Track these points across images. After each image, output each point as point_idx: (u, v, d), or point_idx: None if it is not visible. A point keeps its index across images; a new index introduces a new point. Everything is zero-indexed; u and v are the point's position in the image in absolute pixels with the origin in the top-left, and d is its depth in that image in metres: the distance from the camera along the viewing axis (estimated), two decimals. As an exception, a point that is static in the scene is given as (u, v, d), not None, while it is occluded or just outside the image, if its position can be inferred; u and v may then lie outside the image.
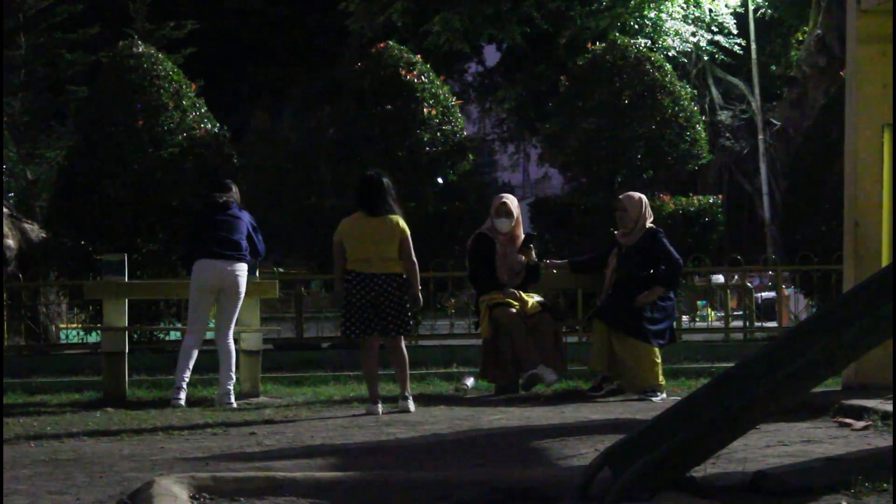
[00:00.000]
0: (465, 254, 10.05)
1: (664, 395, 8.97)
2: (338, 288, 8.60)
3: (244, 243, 9.10)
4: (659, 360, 9.15)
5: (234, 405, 8.88)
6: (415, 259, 8.51)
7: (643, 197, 9.58)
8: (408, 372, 8.61)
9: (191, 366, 9.05)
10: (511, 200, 9.77)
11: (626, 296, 9.19)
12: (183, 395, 8.92)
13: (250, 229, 9.21)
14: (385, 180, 8.51)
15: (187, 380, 9.03)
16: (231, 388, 9.01)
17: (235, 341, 9.34)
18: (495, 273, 9.54)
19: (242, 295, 9.12)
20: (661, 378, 9.14)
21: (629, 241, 9.38)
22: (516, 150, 36.97)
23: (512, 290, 9.47)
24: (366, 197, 8.46)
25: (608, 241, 9.74)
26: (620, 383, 9.26)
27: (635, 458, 4.43)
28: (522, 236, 9.69)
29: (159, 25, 24.58)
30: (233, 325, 9.16)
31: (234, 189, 9.38)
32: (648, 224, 9.42)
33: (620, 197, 9.63)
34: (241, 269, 9.08)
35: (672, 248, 9.37)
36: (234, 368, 9.08)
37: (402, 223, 8.44)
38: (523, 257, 9.57)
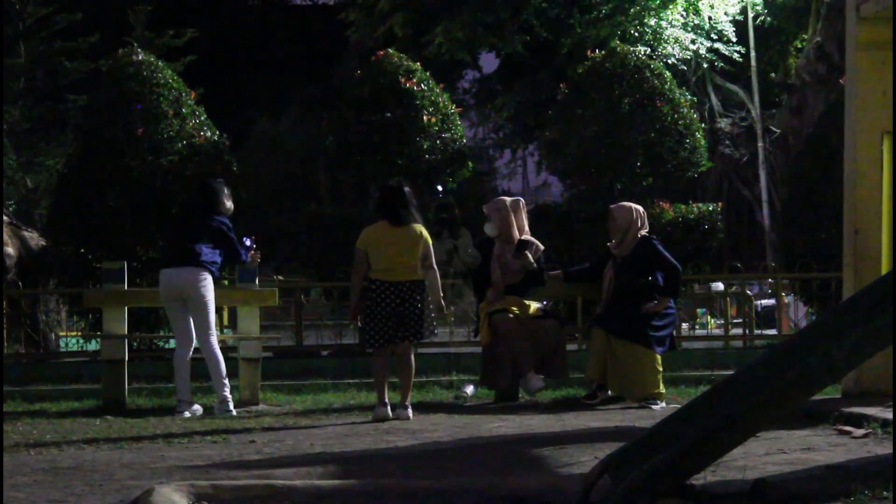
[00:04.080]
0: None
1: (664, 404, 8.96)
2: (354, 296, 8.60)
3: (202, 249, 8.96)
4: (660, 368, 9.14)
5: (234, 413, 8.87)
6: (436, 267, 8.56)
7: (635, 207, 9.54)
8: (412, 381, 8.64)
9: (186, 377, 9.05)
10: (495, 203, 9.78)
11: (626, 303, 9.18)
12: (186, 408, 8.90)
13: (219, 235, 9.06)
14: (407, 189, 8.60)
15: (188, 391, 9.04)
16: (227, 394, 8.98)
17: (234, 349, 9.32)
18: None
19: (207, 299, 8.96)
20: (661, 386, 9.13)
21: (623, 252, 9.37)
22: (513, 157, 37.02)
23: (513, 296, 9.46)
24: (389, 206, 8.51)
25: (603, 253, 9.72)
26: (620, 391, 9.24)
27: (635, 466, 4.43)
28: (517, 236, 9.66)
29: (159, 34, 24.64)
30: (211, 331, 9.04)
31: (221, 194, 9.24)
32: (642, 232, 9.40)
33: (611, 207, 9.65)
34: (198, 274, 8.92)
35: (669, 255, 9.35)
36: (223, 374, 8.99)
37: (425, 232, 8.54)
38: (518, 262, 9.55)
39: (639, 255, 9.29)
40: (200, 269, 8.95)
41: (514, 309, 9.39)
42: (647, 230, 9.48)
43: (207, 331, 9.02)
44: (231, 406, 8.94)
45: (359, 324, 8.67)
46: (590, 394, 9.33)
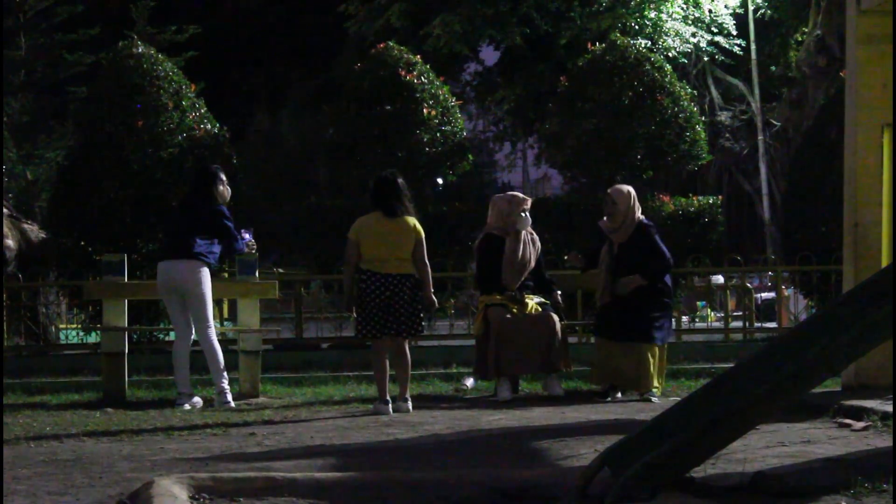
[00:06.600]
0: (473, 254, 10.02)
1: (663, 396, 8.95)
2: (347, 286, 8.60)
3: (196, 240, 8.92)
4: (661, 360, 9.12)
5: (233, 405, 8.87)
6: (427, 261, 8.54)
7: (630, 189, 9.47)
8: (409, 374, 8.64)
9: (186, 369, 9.04)
10: (524, 198, 9.78)
11: (622, 303, 9.12)
12: (186, 401, 8.90)
13: (215, 224, 9.01)
14: (400, 181, 8.58)
15: (188, 384, 9.04)
16: (226, 387, 8.97)
17: (234, 342, 9.31)
18: (500, 274, 9.51)
19: (204, 292, 8.93)
20: (661, 378, 9.12)
21: (621, 238, 9.27)
22: (513, 150, 37.03)
23: (512, 293, 9.43)
24: (383, 198, 8.49)
25: (597, 236, 9.64)
26: (622, 384, 9.21)
27: (635, 459, 4.43)
28: (531, 233, 9.65)
29: (161, 29, 24.63)
30: (208, 324, 9.00)
31: (219, 183, 9.14)
32: (638, 216, 9.33)
33: (609, 190, 9.53)
34: (193, 267, 8.90)
35: (661, 243, 9.22)
36: (222, 366, 8.97)
37: (418, 225, 8.52)
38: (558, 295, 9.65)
39: (636, 241, 9.21)
40: (196, 261, 8.92)
41: (513, 306, 9.36)
42: (640, 212, 9.40)
43: (205, 323, 9.00)
44: (230, 398, 8.93)
45: (354, 314, 8.65)
46: (602, 392, 9.27)
